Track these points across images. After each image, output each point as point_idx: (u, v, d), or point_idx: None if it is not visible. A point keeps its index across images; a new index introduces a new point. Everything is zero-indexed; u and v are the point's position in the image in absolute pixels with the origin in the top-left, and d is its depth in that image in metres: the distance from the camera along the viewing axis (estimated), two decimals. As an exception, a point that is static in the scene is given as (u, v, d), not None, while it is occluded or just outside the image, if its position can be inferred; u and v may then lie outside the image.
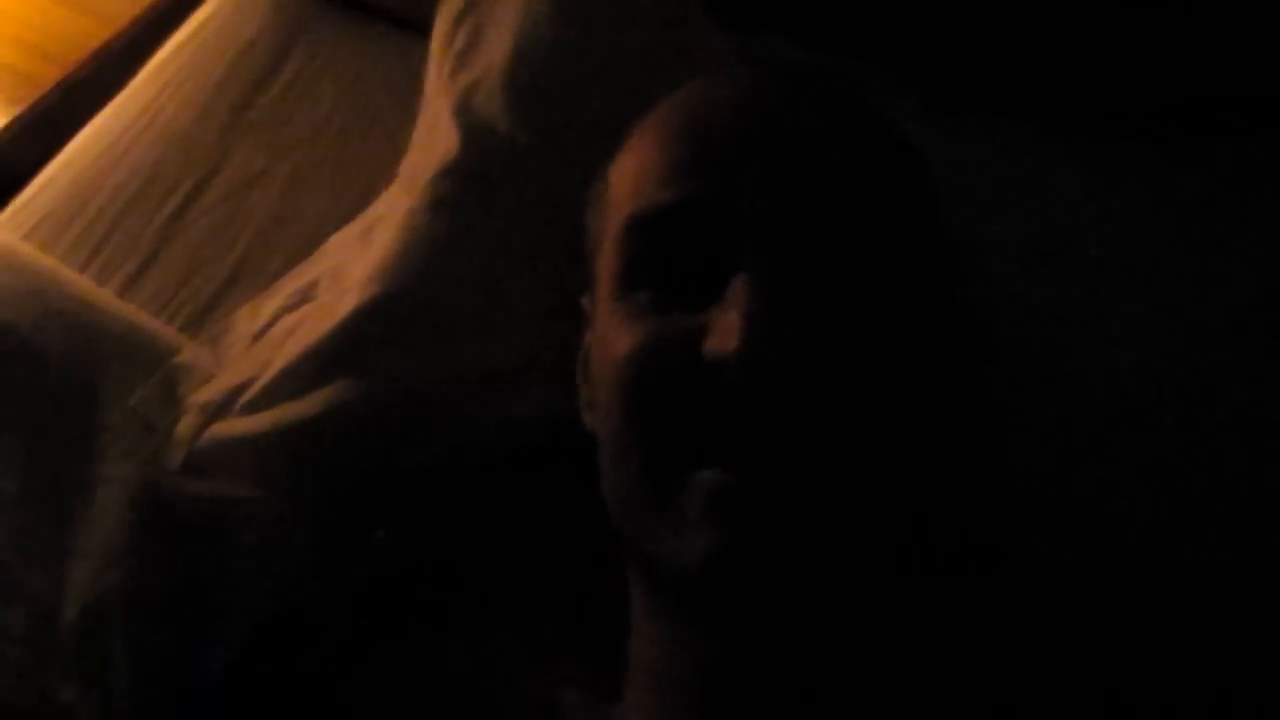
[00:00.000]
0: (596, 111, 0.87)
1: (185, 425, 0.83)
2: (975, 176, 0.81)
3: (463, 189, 0.87)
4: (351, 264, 0.90)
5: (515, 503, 0.76)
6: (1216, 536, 0.70)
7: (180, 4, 1.37)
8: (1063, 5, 0.85)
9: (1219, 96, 0.83)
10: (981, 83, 0.88)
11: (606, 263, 0.60)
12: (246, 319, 0.94)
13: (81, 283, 1.01)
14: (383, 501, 0.78)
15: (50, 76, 1.33)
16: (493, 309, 0.82)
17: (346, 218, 1.01)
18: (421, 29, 1.09)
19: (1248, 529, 0.70)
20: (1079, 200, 0.79)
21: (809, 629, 0.55)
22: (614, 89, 0.88)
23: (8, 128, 1.26)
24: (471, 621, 0.73)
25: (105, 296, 1.00)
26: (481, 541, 0.76)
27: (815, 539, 0.52)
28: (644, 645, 0.62)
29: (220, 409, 0.83)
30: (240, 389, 0.84)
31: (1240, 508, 0.70)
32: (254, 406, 0.82)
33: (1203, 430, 0.72)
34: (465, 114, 0.90)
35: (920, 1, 0.90)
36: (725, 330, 0.50)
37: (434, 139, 0.93)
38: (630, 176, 0.60)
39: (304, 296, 0.92)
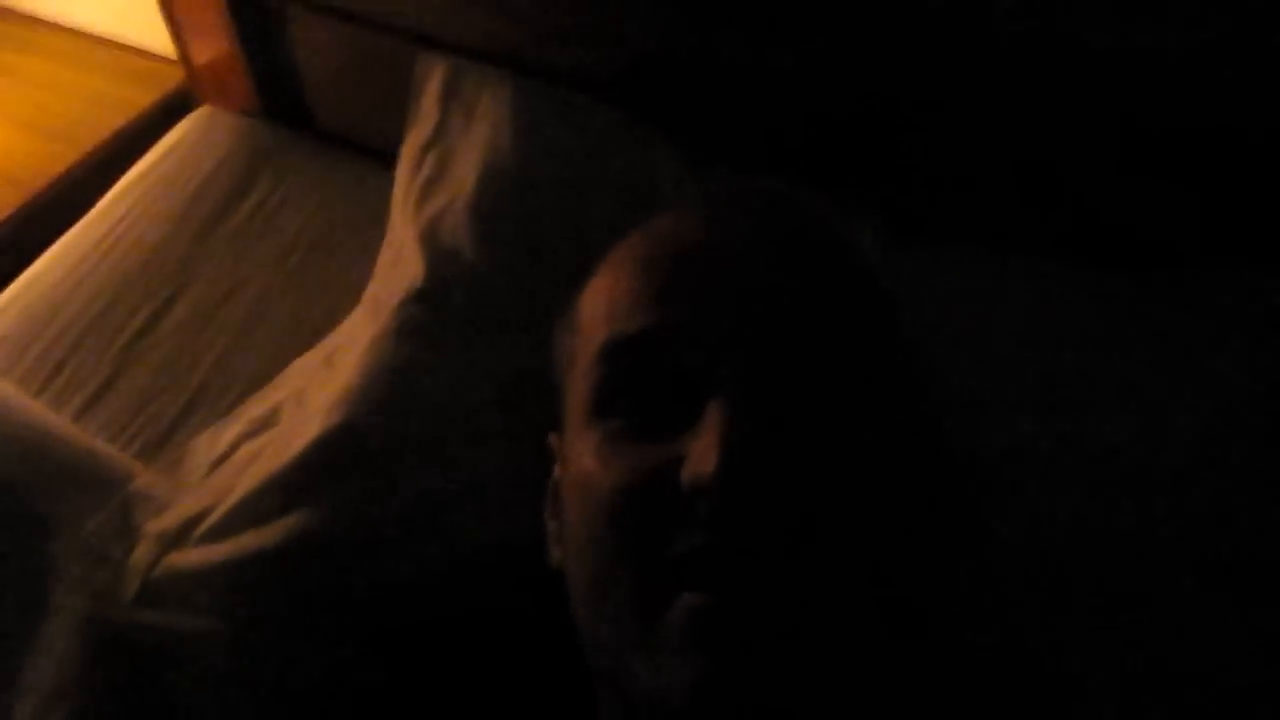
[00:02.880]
0: (561, 241, 0.89)
1: (140, 555, 0.82)
2: (936, 300, 0.83)
3: (428, 316, 0.88)
4: (314, 390, 0.90)
5: (480, 632, 0.75)
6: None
7: (146, 130, 1.40)
8: (1019, 141, 0.89)
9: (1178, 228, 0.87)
10: (942, 211, 0.91)
11: (579, 388, 0.60)
12: (205, 446, 0.93)
13: (36, 408, 1.00)
14: (345, 632, 0.77)
15: (15, 201, 1.33)
16: (455, 437, 0.82)
17: (308, 344, 1.01)
18: (385, 158, 1.12)
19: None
20: (1037, 324, 0.81)
21: None
22: (578, 219, 0.90)
23: (-31, 251, 1.25)
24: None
25: (60, 422, 0.99)
26: (446, 670, 0.75)
27: (798, 663, 0.51)
28: None
29: (177, 538, 0.82)
30: (198, 518, 0.82)
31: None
32: (212, 536, 0.80)
33: (1172, 563, 0.72)
34: (431, 242, 0.92)
35: (884, 135, 0.93)
36: (701, 455, 0.50)
37: (399, 266, 0.94)
38: (604, 304, 0.61)
39: (265, 423, 0.91)
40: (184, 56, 1.34)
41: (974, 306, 0.83)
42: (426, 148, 1.01)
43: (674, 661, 0.50)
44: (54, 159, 1.39)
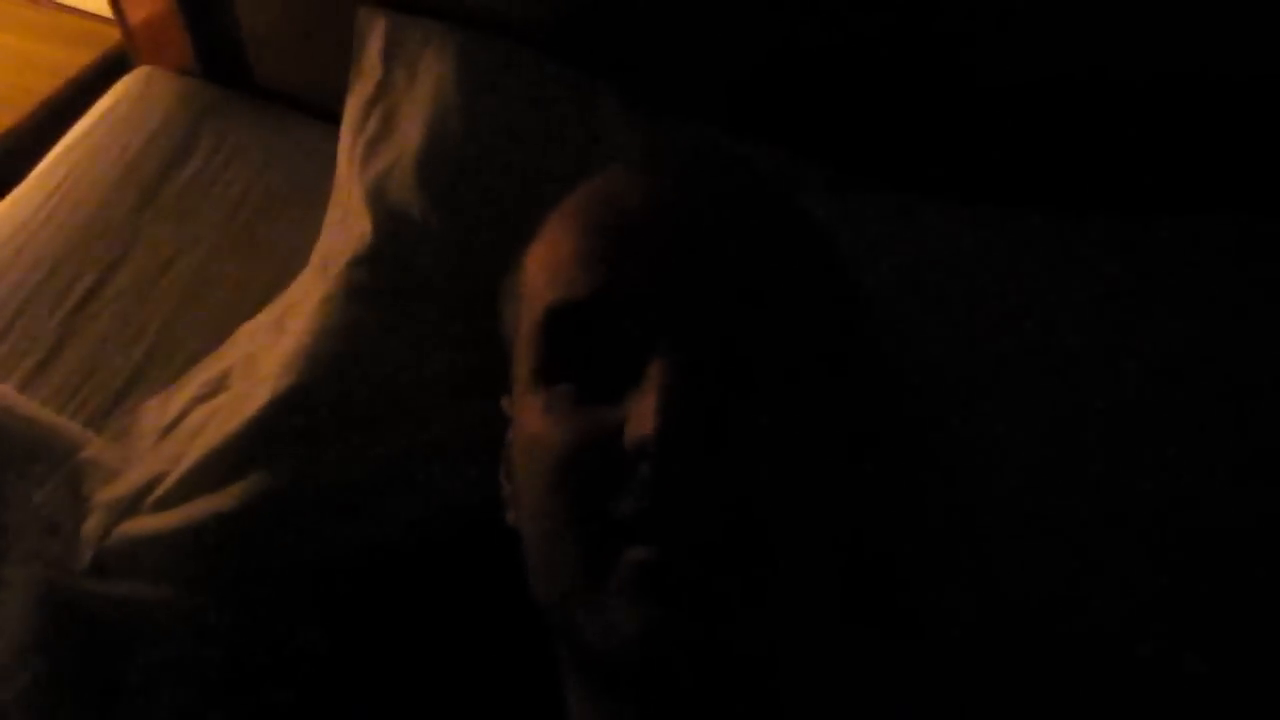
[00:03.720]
0: (508, 196, 0.88)
1: (92, 525, 0.81)
2: (883, 253, 0.83)
3: (376, 275, 0.87)
4: (264, 353, 0.89)
5: (437, 593, 0.75)
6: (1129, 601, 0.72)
7: (82, 93, 1.36)
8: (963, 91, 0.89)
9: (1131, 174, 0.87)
10: (889, 163, 0.91)
11: (525, 353, 0.60)
12: (155, 413, 0.92)
13: (-20, 379, 0.99)
14: (300, 596, 0.76)
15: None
16: (408, 396, 0.82)
17: (257, 306, 1.00)
18: (329, 115, 1.10)
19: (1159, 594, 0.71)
20: (990, 275, 0.81)
21: (740, 704, 0.55)
22: (525, 175, 0.89)
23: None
24: (398, 712, 0.72)
25: (6, 392, 0.98)
26: (404, 633, 0.75)
27: (743, 613, 0.52)
28: None
29: (129, 507, 0.81)
30: (149, 485, 0.81)
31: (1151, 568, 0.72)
32: (165, 503, 0.80)
33: (1112, 506, 0.73)
34: (378, 200, 0.91)
35: (837, 83, 0.92)
36: (643, 414, 0.51)
37: (346, 226, 0.93)
38: (546, 268, 0.61)
39: (215, 388, 0.90)
40: (120, 15, 1.30)
41: (925, 253, 0.83)
42: (370, 104, 1.00)
43: (621, 615, 0.51)
44: (-13, 124, 1.36)
